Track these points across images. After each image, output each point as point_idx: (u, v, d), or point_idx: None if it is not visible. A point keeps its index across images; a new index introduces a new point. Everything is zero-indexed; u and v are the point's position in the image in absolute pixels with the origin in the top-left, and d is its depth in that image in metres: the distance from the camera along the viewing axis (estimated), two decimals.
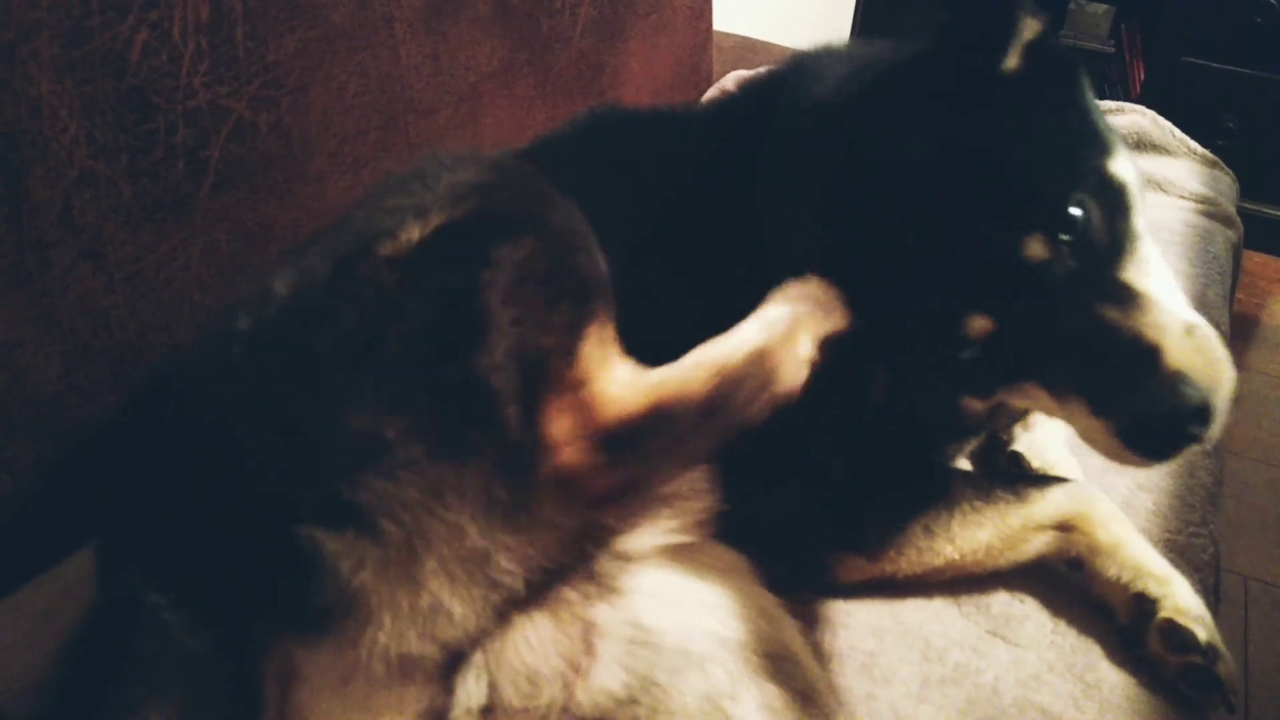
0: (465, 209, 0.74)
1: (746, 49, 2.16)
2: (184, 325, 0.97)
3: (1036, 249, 0.74)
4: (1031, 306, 0.75)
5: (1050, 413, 0.82)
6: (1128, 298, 0.75)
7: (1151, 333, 0.73)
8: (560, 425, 0.70)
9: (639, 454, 0.73)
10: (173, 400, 0.75)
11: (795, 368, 0.78)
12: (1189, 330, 0.74)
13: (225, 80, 0.96)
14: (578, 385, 0.72)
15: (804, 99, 0.92)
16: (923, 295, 0.79)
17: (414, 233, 0.71)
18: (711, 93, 1.93)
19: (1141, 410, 0.72)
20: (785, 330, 0.79)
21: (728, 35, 2.14)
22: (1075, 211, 0.75)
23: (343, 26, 1.09)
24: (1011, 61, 0.81)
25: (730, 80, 1.92)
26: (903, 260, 0.79)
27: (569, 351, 0.72)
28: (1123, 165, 0.81)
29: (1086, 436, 0.77)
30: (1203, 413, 0.71)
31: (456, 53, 1.28)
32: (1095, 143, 0.81)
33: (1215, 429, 0.73)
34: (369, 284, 0.70)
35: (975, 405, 0.88)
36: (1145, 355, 0.72)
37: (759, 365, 0.76)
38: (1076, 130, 0.81)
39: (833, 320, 0.81)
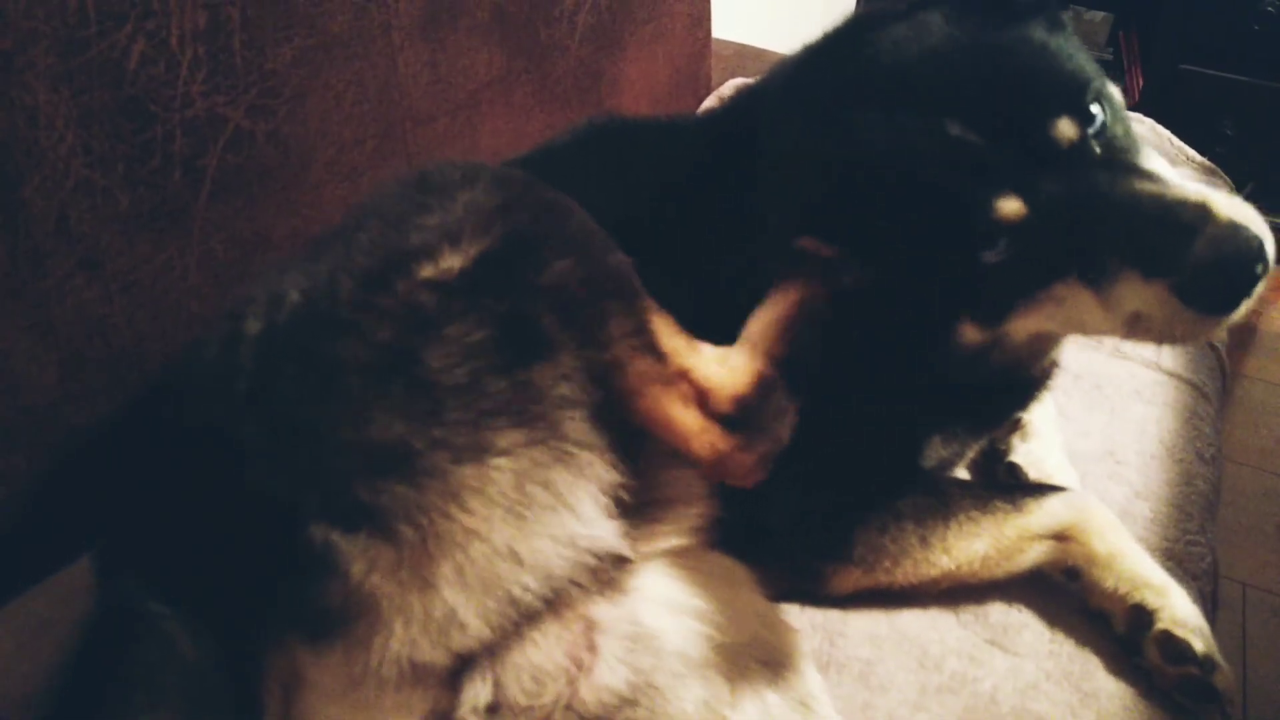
0: (496, 235, 0.75)
1: (745, 56, 2.16)
2: (181, 334, 0.97)
3: (1067, 129, 0.75)
4: (1067, 184, 0.74)
5: (1068, 323, 0.79)
6: (1157, 177, 0.75)
7: (1195, 194, 0.72)
8: (688, 418, 0.76)
9: (762, 422, 0.78)
10: (174, 404, 0.75)
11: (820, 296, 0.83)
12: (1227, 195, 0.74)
13: (223, 89, 0.97)
14: (678, 377, 0.76)
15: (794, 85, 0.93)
16: (947, 182, 0.76)
17: (454, 260, 0.73)
18: (710, 101, 1.93)
19: (1203, 258, 0.69)
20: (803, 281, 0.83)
21: (726, 43, 2.14)
22: (1095, 109, 0.76)
23: (340, 35, 1.09)
24: None
25: (729, 88, 1.93)
26: (925, 149, 0.77)
27: (650, 349, 0.76)
28: (1112, 86, 0.83)
29: (1135, 317, 0.74)
30: (1262, 253, 0.70)
31: (454, 61, 1.28)
32: (1091, 61, 0.83)
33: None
34: (406, 303, 0.71)
35: (973, 336, 0.84)
36: (1196, 210, 0.71)
37: (797, 310, 0.83)
38: (1077, 46, 0.83)
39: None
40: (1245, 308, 0.72)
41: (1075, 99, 0.76)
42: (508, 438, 0.68)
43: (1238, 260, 0.70)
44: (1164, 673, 0.84)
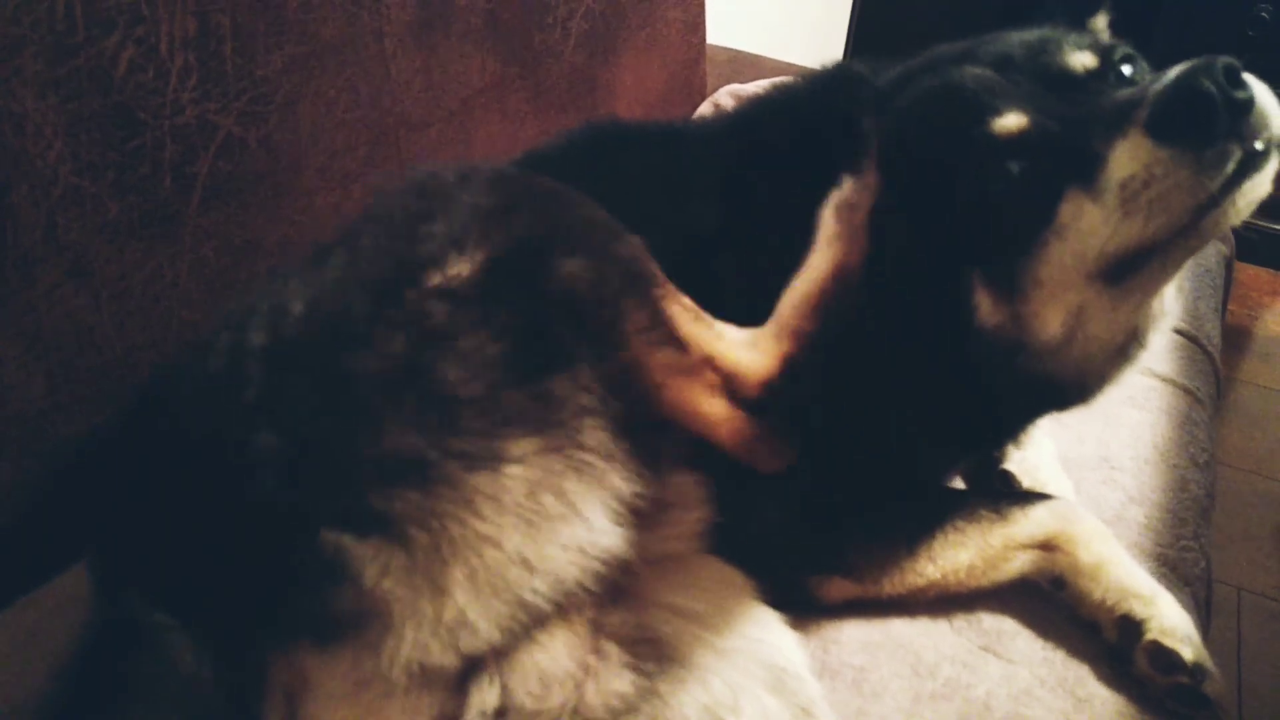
0: (502, 239, 0.75)
1: (740, 63, 2.17)
2: (172, 343, 0.97)
3: (1085, 59, 0.78)
4: (1073, 100, 0.76)
5: (1075, 217, 0.75)
6: None
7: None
8: (713, 406, 0.75)
9: (793, 406, 0.77)
10: (173, 414, 0.75)
11: (853, 254, 0.82)
12: None
13: (213, 96, 0.96)
14: (699, 366, 0.75)
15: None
16: (957, 107, 0.79)
17: (461, 267, 0.73)
18: (705, 107, 1.93)
19: (1165, 86, 0.68)
20: (844, 232, 0.82)
21: (721, 49, 2.15)
22: (1126, 68, 0.79)
23: (332, 42, 1.09)
24: None
25: (725, 94, 1.93)
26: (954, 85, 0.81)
27: (669, 340, 0.75)
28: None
29: (1124, 188, 0.71)
30: (1239, 79, 0.67)
31: (447, 67, 1.28)
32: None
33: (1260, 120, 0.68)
34: (417, 313, 0.71)
35: (990, 312, 0.81)
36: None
37: (841, 277, 0.81)
38: None
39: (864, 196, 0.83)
40: (1238, 157, 0.67)
41: (1100, 45, 0.79)
42: (522, 446, 0.68)
43: (1202, 78, 0.66)
44: (1155, 682, 0.84)
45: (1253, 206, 0.71)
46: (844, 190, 0.82)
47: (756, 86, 1.89)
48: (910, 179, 0.81)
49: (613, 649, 0.73)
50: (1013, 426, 0.98)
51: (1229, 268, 1.83)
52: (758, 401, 0.76)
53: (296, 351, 0.70)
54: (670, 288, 0.78)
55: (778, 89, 1.02)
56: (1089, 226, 0.74)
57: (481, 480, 0.66)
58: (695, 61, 1.96)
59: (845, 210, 0.82)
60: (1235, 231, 1.90)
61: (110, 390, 0.92)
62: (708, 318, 0.79)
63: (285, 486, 0.65)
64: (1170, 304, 0.88)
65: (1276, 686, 1.81)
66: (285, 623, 0.66)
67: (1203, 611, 1.01)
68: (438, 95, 1.28)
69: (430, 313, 0.70)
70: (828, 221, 0.83)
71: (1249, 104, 0.67)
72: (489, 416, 0.68)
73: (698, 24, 1.95)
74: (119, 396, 0.92)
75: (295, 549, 0.65)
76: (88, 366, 0.90)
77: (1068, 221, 0.75)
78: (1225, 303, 1.79)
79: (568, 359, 0.71)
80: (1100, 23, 0.94)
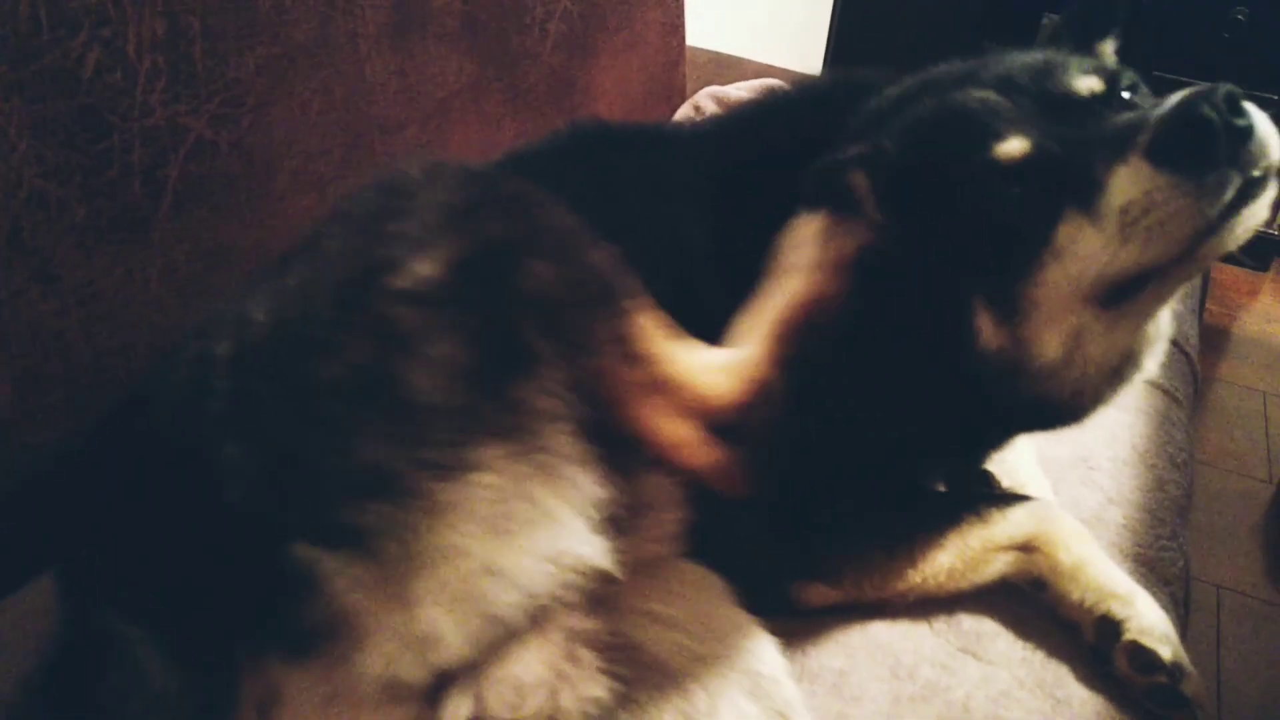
0: (469, 240, 0.73)
1: (720, 64, 2.16)
2: (143, 348, 0.95)
3: (1089, 83, 0.78)
4: (1076, 124, 0.76)
5: (1073, 240, 0.76)
6: None
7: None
8: (678, 430, 0.71)
9: (762, 432, 0.73)
10: (142, 425, 0.73)
11: (836, 285, 0.79)
12: None
13: (183, 98, 0.95)
14: (668, 385, 0.72)
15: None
16: (960, 131, 0.79)
17: (423, 267, 0.71)
18: (685, 109, 1.93)
19: (1167, 112, 0.68)
20: (814, 260, 0.80)
21: (701, 50, 2.15)
22: (1127, 93, 0.79)
23: (305, 44, 1.08)
24: None
25: (705, 96, 1.92)
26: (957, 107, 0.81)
27: (634, 356, 0.72)
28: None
29: (1124, 213, 0.71)
30: (1240, 108, 0.67)
31: (423, 69, 1.27)
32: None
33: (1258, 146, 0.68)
34: (381, 318, 0.69)
35: (992, 335, 0.81)
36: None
37: (810, 305, 0.78)
38: None
39: (853, 233, 0.82)
40: (1237, 185, 0.67)
41: (1106, 70, 0.78)
42: (490, 453, 0.66)
43: (1203, 105, 0.66)
44: (1134, 682, 0.84)
45: (1250, 233, 0.71)
46: (825, 221, 0.82)
47: (738, 89, 1.89)
48: (912, 202, 0.81)
49: (588, 656, 0.72)
50: (1002, 441, 0.99)
51: (1206, 269, 1.84)
52: (724, 426, 0.73)
53: (262, 360, 0.68)
54: (643, 300, 0.76)
55: (772, 97, 1.01)
56: (1087, 250, 0.74)
57: (450, 489, 0.65)
58: (675, 63, 1.96)
59: (832, 241, 0.81)
60: None
61: (79, 398, 0.90)
62: (682, 335, 0.77)
63: (253, 499, 0.64)
64: (1165, 326, 0.88)
65: (1256, 683, 1.83)
66: (256, 636, 0.65)
67: (1181, 610, 1.02)
68: (413, 98, 1.27)
69: (394, 317, 0.69)
70: (809, 247, 0.81)
71: (1249, 132, 0.68)
72: (455, 423, 0.66)
73: (677, 25, 1.95)
74: (88, 404, 0.91)
75: (264, 562, 0.63)
76: (56, 374, 0.89)
77: (1065, 244, 0.75)
78: (1203, 303, 1.81)
79: (533, 364, 0.69)
80: (1107, 48, 0.93)
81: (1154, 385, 1.34)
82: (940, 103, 0.82)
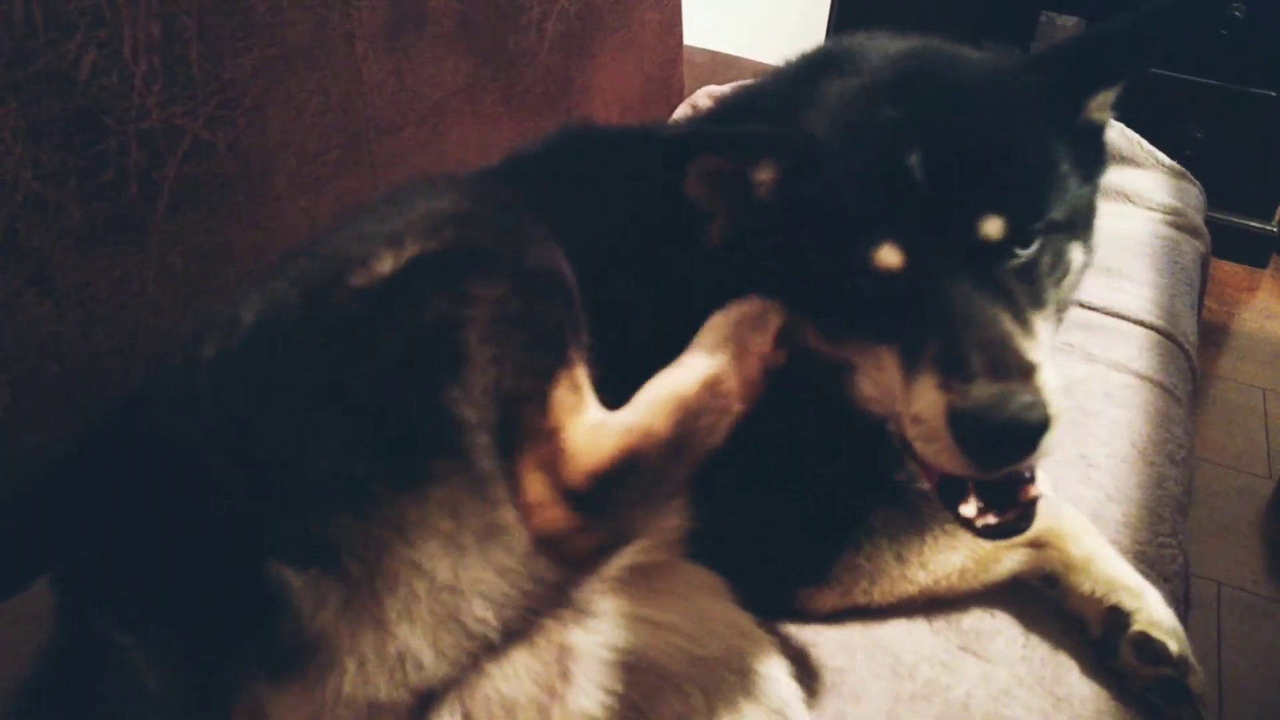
0: (440, 240, 0.72)
1: (718, 64, 2.16)
2: (139, 352, 0.95)
3: (992, 228, 0.73)
4: (953, 269, 0.72)
5: (875, 381, 0.78)
6: (1026, 329, 0.72)
7: (1031, 358, 0.70)
8: (535, 485, 0.68)
9: (615, 506, 0.70)
10: (135, 429, 0.73)
11: (750, 380, 0.77)
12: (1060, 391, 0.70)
13: (179, 100, 0.95)
14: (550, 434, 0.69)
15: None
16: (861, 200, 0.75)
17: (386, 263, 0.70)
18: (682, 109, 1.93)
19: (970, 408, 0.67)
20: (733, 347, 0.77)
21: (699, 50, 2.14)
22: (1034, 244, 0.75)
23: (300, 45, 1.08)
24: None
25: (703, 95, 1.92)
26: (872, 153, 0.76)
27: (541, 398, 0.70)
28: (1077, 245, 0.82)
29: (917, 420, 0.72)
30: (1031, 438, 0.67)
31: (420, 70, 1.27)
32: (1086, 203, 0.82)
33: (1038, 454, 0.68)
34: (340, 315, 0.68)
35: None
36: (1017, 366, 0.68)
37: (715, 388, 0.75)
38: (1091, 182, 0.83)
39: (773, 319, 0.80)
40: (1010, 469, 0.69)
41: (1018, 215, 0.74)
42: (438, 464, 0.65)
43: (999, 427, 0.66)
44: (1139, 674, 0.84)
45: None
46: (752, 307, 0.80)
47: (732, 88, 1.89)
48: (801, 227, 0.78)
49: (580, 670, 0.70)
50: None
51: (1205, 265, 1.84)
52: (580, 492, 0.68)
53: (238, 363, 0.68)
54: (573, 354, 0.72)
55: (754, 87, 1.01)
56: (892, 384, 0.76)
57: (407, 501, 0.63)
58: (672, 63, 1.96)
59: (747, 327, 0.79)
60: (1211, 228, 1.92)
61: (75, 400, 0.90)
62: (585, 388, 0.73)
63: (235, 508, 0.64)
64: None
65: (1256, 679, 1.83)
66: (241, 652, 0.64)
67: (1181, 607, 1.01)
68: (410, 98, 1.26)
69: (351, 314, 0.68)
70: (720, 327, 0.79)
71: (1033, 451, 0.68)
72: (404, 427, 0.65)
73: (674, 25, 1.95)
74: (84, 407, 0.90)
75: (249, 576, 0.63)
76: (52, 377, 0.89)
77: (879, 365, 0.77)
78: (1202, 299, 1.80)
79: (463, 364, 0.67)
80: (1100, 99, 0.86)
81: (1153, 382, 1.34)
82: (862, 139, 0.77)
